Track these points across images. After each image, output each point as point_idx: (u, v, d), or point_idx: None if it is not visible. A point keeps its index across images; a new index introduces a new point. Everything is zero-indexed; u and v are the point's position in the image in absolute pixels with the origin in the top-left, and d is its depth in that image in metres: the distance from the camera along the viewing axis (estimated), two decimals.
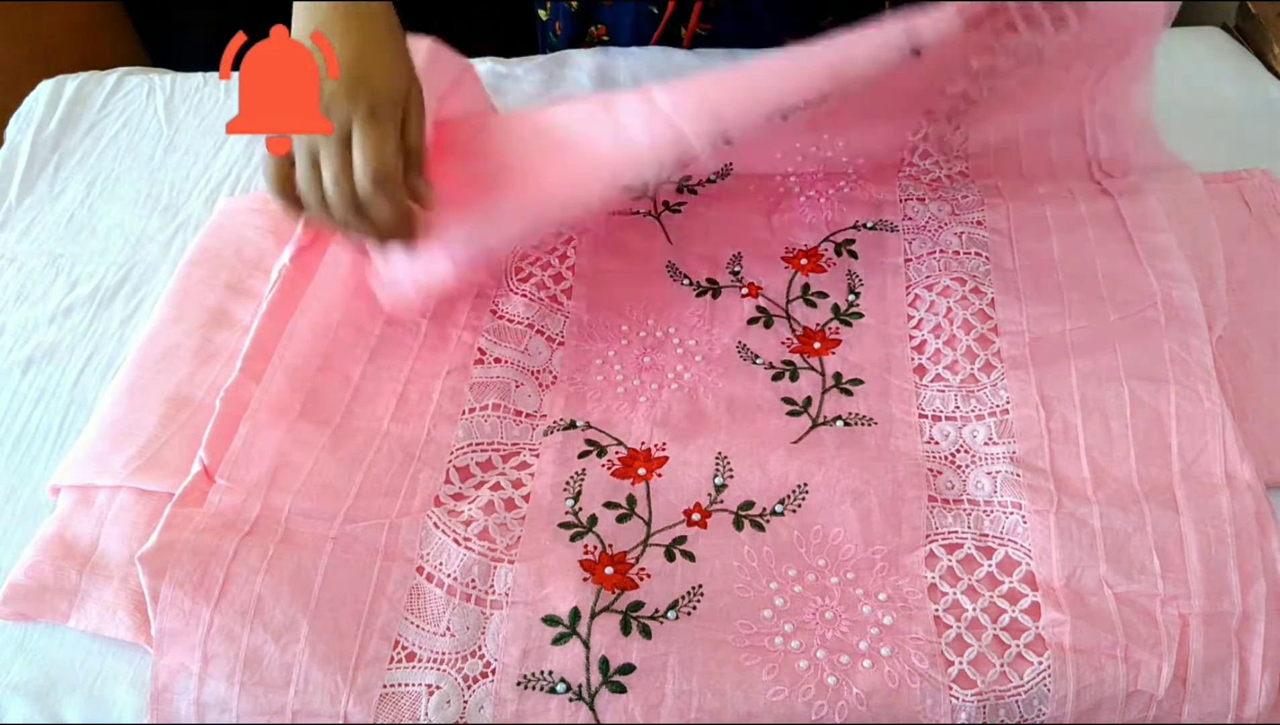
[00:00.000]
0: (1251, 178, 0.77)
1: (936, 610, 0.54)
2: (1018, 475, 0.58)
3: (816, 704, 0.50)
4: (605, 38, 0.95)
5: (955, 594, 0.54)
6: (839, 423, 0.63)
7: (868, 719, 0.50)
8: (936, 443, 0.61)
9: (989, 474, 0.59)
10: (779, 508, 0.58)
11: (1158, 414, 0.60)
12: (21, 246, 0.79)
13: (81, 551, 0.56)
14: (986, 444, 0.60)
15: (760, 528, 0.57)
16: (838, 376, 0.65)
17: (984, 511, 0.58)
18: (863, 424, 0.62)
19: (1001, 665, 0.51)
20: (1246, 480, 0.57)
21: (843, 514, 0.57)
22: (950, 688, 0.51)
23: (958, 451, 0.61)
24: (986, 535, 0.57)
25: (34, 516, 0.60)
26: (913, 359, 0.66)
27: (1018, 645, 0.52)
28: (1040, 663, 0.51)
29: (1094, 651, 0.51)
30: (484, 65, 0.92)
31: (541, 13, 1.00)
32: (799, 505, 0.58)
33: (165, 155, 0.86)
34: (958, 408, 0.63)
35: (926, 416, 0.63)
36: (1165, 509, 0.56)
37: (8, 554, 0.59)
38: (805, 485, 0.59)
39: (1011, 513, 0.57)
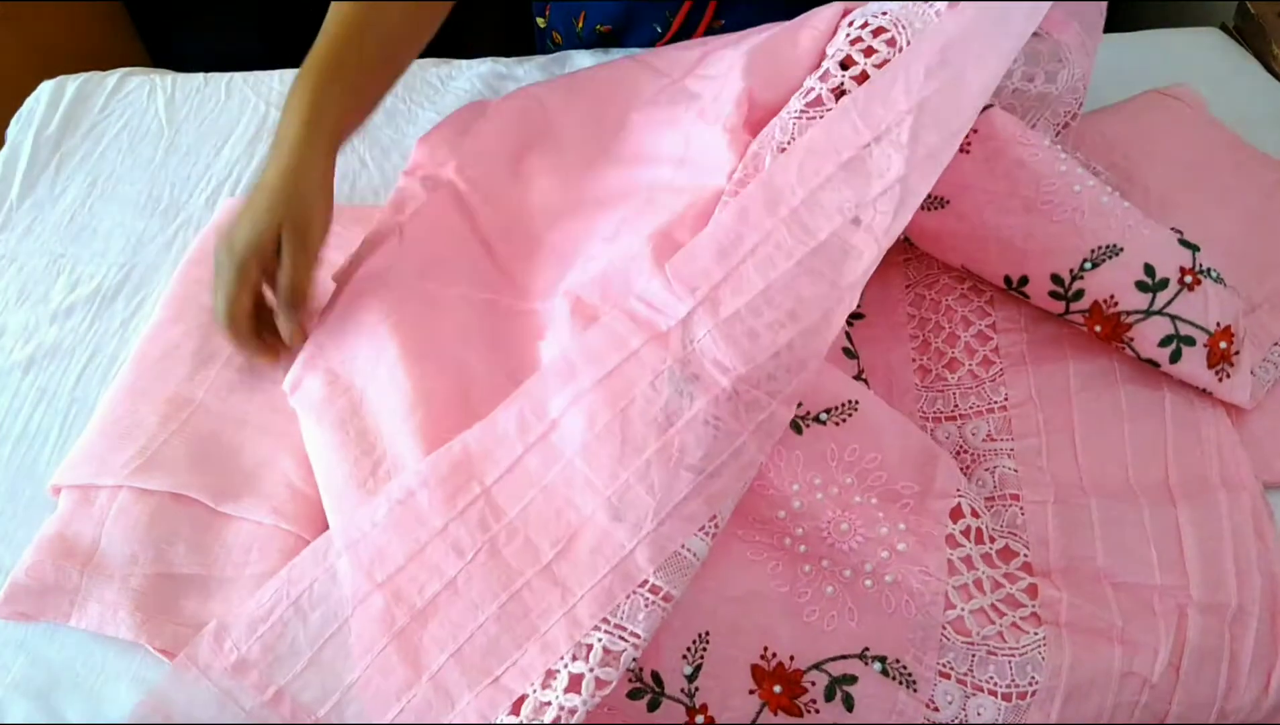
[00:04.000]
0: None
1: (951, 556, 0.53)
2: (1016, 471, 0.58)
3: (808, 609, 0.51)
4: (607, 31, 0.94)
5: (970, 548, 0.54)
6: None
7: (853, 637, 0.51)
8: (939, 443, 0.61)
9: (988, 470, 0.59)
10: (823, 416, 0.55)
11: (1154, 418, 0.60)
12: (23, 247, 0.79)
13: (83, 551, 0.56)
14: (986, 441, 0.61)
15: (799, 431, 0.55)
16: None
17: (985, 507, 0.58)
18: None
19: (999, 626, 0.51)
20: (1243, 480, 0.57)
21: (886, 441, 0.55)
22: (944, 628, 0.51)
23: (959, 452, 0.61)
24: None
25: (36, 516, 0.60)
26: (914, 361, 0.66)
27: (1015, 616, 0.52)
28: (1037, 634, 0.51)
29: (1091, 633, 0.51)
30: (484, 65, 0.92)
31: (540, 20, 0.99)
32: (844, 419, 0.55)
33: (166, 156, 0.86)
34: (957, 407, 0.63)
35: (928, 418, 0.63)
36: (1162, 504, 0.56)
37: (9, 554, 0.59)
38: (856, 402, 0.56)
39: (1010, 505, 0.57)
